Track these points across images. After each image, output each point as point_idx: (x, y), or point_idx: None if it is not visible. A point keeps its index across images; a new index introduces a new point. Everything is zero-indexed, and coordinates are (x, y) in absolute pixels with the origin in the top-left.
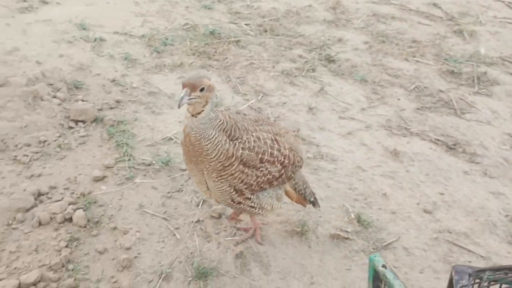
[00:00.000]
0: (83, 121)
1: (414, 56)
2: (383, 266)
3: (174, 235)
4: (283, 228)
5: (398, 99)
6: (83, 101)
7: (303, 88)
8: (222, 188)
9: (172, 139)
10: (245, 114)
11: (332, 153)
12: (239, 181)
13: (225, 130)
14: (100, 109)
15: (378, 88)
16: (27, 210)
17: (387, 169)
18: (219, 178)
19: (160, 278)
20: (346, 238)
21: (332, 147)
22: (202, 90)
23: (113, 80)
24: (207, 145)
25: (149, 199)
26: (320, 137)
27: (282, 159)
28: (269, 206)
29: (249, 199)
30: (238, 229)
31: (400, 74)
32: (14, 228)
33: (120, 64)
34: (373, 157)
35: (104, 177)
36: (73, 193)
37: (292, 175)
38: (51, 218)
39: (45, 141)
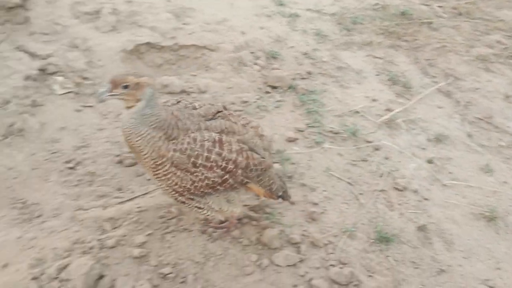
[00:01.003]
0: (279, 88)
1: None
2: None
3: (358, 199)
4: (469, 210)
5: None
6: (278, 69)
7: (500, 75)
8: (161, 186)
9: (359, 112)
10: (194, 108)
11: None
12: (174, 183)
13: (162, 128)
14: (293, 79)
15: None
16: None
17: None
18: (155, 177)
19: (344, 234)
20: None
21: None
22: (125, 87)
23: (305, 53)
24: (137, 141)
25: (335, 164)
26: None
27: (224, 164)
28: (217, 207)
29: (193, 199)
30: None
31: None
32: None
33: (312, 39)
34: None
35: (296, 139)
36: None
37: (247, 180)
38: None
39: (246, 101)
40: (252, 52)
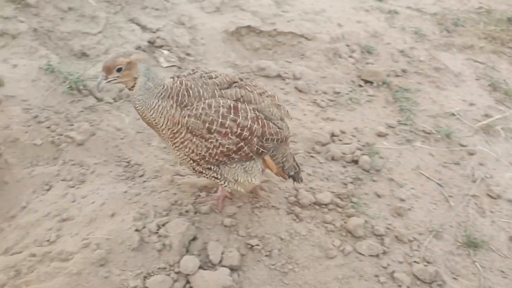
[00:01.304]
0: (372, 82)
1: None
2: None
3: (447, 201)
4: None
5: None
6: (373, 64)
7: None
8: (180, 156)
9: (454, 115)
10: (210, 77)
11: None
12: (190, 150)
13: (171, 96)
14: (388, 75)
15: None
16: (323, 144)
17: None
18: (174, 146)
19: (431, 233)
20: None
21: None
22: (119, 70)
23: (402, 51)
24: (152, 115)
25: (425, 163)
26: None
27: (239, 131)
28: (232, 178)
29: (210, 169)
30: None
31: None
32: (312, 156)
33: (410, 37)
34: None
35: (386, 134)
36: (359, 141)
37: (263, 150)
38: (341, 157)
39: (339, 92)
40: (347, 45)
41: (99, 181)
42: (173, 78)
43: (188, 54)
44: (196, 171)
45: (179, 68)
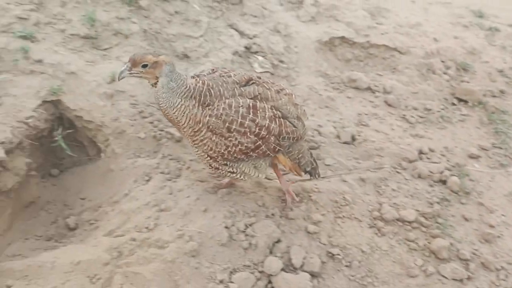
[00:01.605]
0: (466, 101)
1: None
2: None
3: None
4: None
5: None
6: (468, 82)
7: None
8: (198, 152)
9: None
10: (229, 76)
11: None
12: (209, 148)
13: (194, 96)
14: (484, 95)
15: None
16: (410, 161)
17: None
18: (193, 143)
19: None
20: None
21: None
22: (144, 66)
23: (500, 71)
24: (174, 113)
25: None
26: None
27: (257, 130)
28: (247, 171)
29: (226, 165)
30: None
31: None
32: (397, 172)
33: (510, 56)
34: None
35: (478, 156)
36: (448, 160)
37: (279, 148)
38: (428, 175)
39: (430, 109)
40: (442, 61)
41: (194, 177)
42: (194, 78)
43: (281, 61)
44: (212, 167)
45: (272, 74)
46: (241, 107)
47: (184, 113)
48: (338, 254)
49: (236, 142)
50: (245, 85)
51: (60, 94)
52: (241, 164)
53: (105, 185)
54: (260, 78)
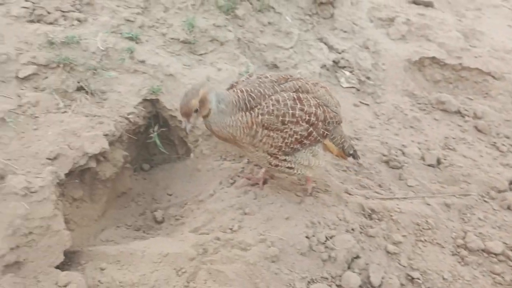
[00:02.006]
0: None
1: None
2: None
3: None
4: None
5: None
6: None
7: None
8: (259, 155)
9: None
10: (265, 77)
11: None
12: (269, 146)
13: (240, 107)
14: None
15: None
16: (500, 191)
17: None
18: (254, 148)
19: None
20: None
21: None
22: (196, 111)
23: None
24: (229, 130)
25: None
26: None
27: (307, 118)
28: (306, 162)
29: (285, 160)
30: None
31: None
32: (485, 201)
33: None
34: None
35: None
36: None
37: (327, 132)
38: None
39: None
40: None
41: (278, 185)
42: (232, 89)
43: (368, 78)
44: (272, 165)
45: (358, 90)
46: (288, 100)
47: (237, 127)
48: (418, 278)
49: (292, 132)
50: (283, 83)
51: (159, 94)
52: (299, 156)
53: (192, 183)
54: (292, 76)
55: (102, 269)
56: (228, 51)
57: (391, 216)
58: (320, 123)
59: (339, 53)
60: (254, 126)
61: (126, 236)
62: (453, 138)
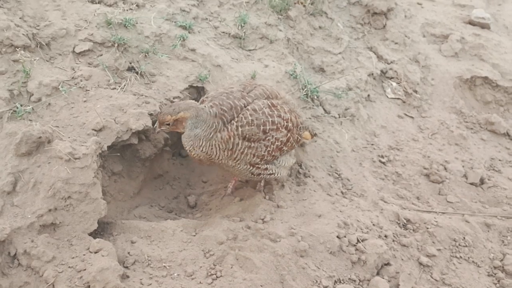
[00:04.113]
0: None
1: None
2: None
3: None
4: None
5: None
6: None
7: None
8: (240, 168)
9: None
10: (231, 87)
11: None
12: (251, 156)
13: (214, 128)
14: None
15: None
16: None
17: None
18: (235, 161)
19: None
20: None
21: None
22: (168, 124)
23: None
24: (202, 150)
25: None
26: None
27: (286, 124)
28: (286, 163)
29: (267, 169)
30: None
31: None
32: None
33: None
34: None
35: None
36: None
37: (300, 138)
38: None
39: None
40: None
41: (314, 183)
42: (203, 105)
43: (415, 91)
44: (254, 175)
45: (403, 102)
46: (264, 108)
47: (211, 145)
48: None
49: (273, 139)
50: (251, 90)
51: (205, 82)
52: (280, 160)
53: (227, 173)
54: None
55: (132, 242)
56: (276, 49)
57: (427, 228)
58: (295, 129)
59: (388, 63)
60: (232, 140)
61: (158, 216)
62: (500, 160)
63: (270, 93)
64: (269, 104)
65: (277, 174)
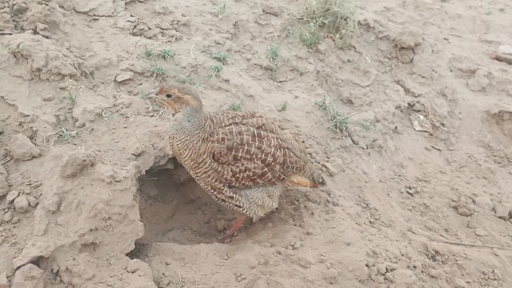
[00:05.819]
0: None
1: None
2: None
3: None
4: None
5: None
6: None
7: None
8: (201, 185)
9: None
10: (234, 112)
11: None
12: (214, 179)
13: (198, 134)
14: None
15: None
16: None
17: None
18: (196, 175)
19: None
20: None
21: None
22: (168, 96)
23: None
24: (178, 145)
25: None
26: None
27: (263, 157)
28: (260, 202)
29: (232, 198)
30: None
31: None
32: None
33: None
34: None
35: None
36: None
37: (284, 176)
38: None
39: None
40: None
41: (341, 209)
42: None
43: (442, 124)
44: (218, 199)
45: (430, 135)
46: (245, 134)
47: (187, 147)
48: None
49: (243, 168)
50: (248, 118)
51: (238, 111)
52: (252, 194)
53: None
54: (262, 117)
55: (167, 264)
56: (306, 81)
57: (456, 260)
58: (277, 166)
59: (415, 96)
60: (204, 156)
61: (191, 240)
62: None
63: (265, 125)
64: (255, 133)
65: (247, 210)
